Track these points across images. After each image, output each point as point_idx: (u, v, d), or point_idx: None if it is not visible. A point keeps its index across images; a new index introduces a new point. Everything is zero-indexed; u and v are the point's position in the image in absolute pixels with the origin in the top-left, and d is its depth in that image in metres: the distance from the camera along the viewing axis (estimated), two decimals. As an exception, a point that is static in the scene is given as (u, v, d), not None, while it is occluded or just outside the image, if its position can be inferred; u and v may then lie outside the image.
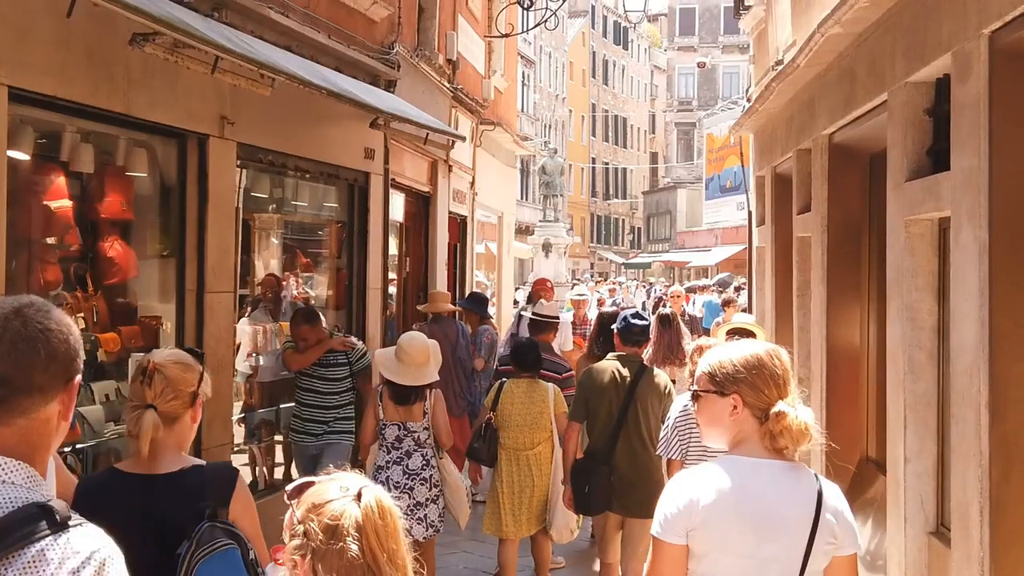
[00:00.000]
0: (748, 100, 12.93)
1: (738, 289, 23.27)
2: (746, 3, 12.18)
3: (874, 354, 8.34)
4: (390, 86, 10.18)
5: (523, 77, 52.32)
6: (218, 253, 7.45)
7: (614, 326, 7.39)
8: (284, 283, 9.45)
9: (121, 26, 5.83)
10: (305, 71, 7.15)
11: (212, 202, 7.33)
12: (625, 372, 6.98)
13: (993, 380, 4.96)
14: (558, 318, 9.63)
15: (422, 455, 6.90)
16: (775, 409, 2.88)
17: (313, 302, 10.02)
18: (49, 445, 2.02)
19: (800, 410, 2.90)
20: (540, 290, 12.01)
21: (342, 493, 2.14)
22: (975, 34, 5.06)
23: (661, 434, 6.43)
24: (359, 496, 2.13)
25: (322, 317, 8.78)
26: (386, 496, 2.17)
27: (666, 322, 9.28)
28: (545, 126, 58.50)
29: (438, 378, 7.08)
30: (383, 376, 6.87)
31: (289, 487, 2.23)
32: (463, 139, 12.25)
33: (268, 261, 9.39)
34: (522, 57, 50.61)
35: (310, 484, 2.21)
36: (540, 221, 29.72)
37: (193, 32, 5.49)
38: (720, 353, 3.06)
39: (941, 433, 6.34)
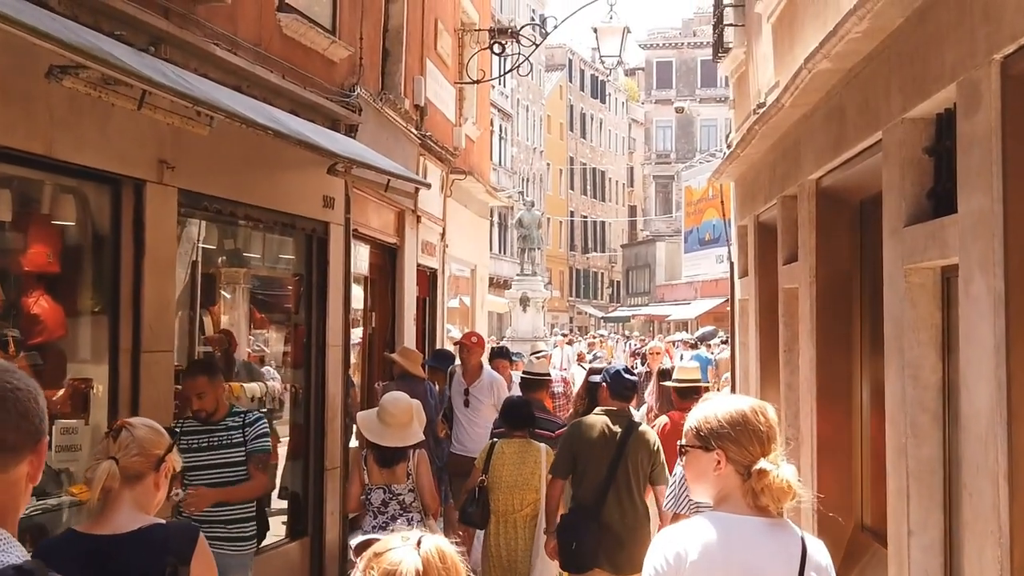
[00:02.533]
0: (728, 146, 12.46)
1: (723, 343, 22.76)
2: (725, 45, 11.75)
3: (868, 414, 7.80)
4: (351, 131, 9.65)
5: (500, 130, 52.29)
6: (156, 309, 6.85)
7: (598, 378, 7.42)
8: (235, 341, 8.80)
9: (42, 58, 5.27)
10: (252, 111, 6.60)
11: (149, 253, 6.75)
12: (616, 428, 6.85)
13: (1013, 449, 4.39)
14: (549, 375, 9.53)
15: (407, 520, 6.71)
16: (756, 467, 2.91)
17: (269, 360, 9.44)
18: (18, 507, 2.02)
19: (783, 468, 2.91)
20: (466, 343, 10.54)
21: (403, 542, 2.18)
22: (984, 60, 4.54)
23: (668, 488, 6.31)
24: (419, 544, 2.17)
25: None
26: (446, 543, 2.21)
27: (666, 376, 9.25)
28: (523, 179, 58.40)
29: (423, 438, 6.98)
30: (367, 439, 6.78)
31: (354, 543, 2.38)
32: (428, 186, 11.72)
33: (218, 317, 8.78)
34: (499, 110, 50.58)
35: (375, 540, 2.26)
36: (517, 275, 29.39)
37: (113, 62, 4.91)
38: (706, 408, 3.09)
39: (948, 503, 5.78)
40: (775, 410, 3.13)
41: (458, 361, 10.59)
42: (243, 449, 6.34)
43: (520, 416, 7.57)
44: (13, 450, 1.97)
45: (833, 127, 7.35)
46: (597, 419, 6.97)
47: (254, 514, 6.45)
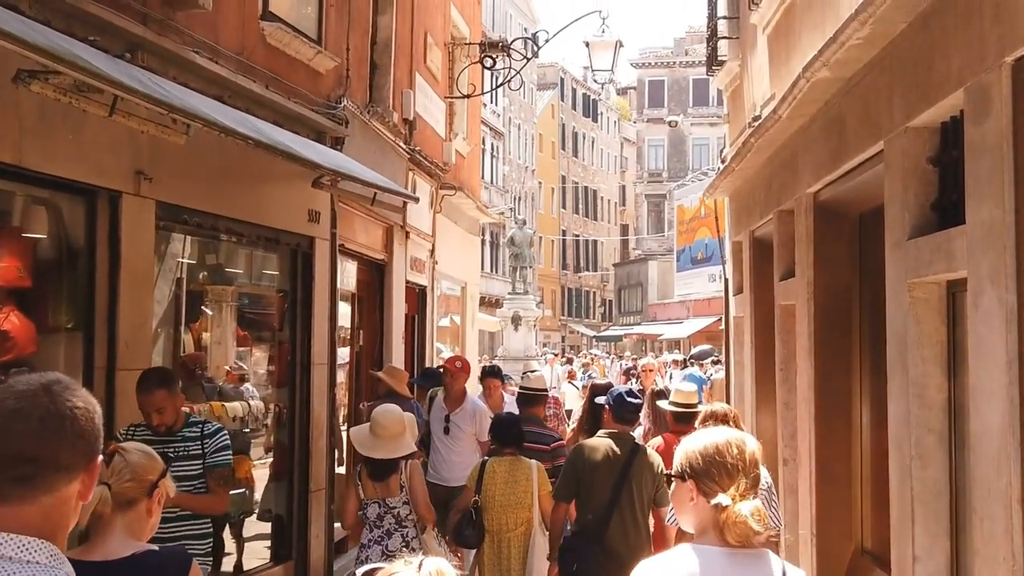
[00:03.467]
0: (722, 161, 12.26)
1: (715, 363, 22.51)
2: (719, 58, 11.56)
3: (869, 434, 7.60)
4: (337, 143, 9.42)
5: (492, 148, 52.15)
6: (132, 325, 6.61)
7: (602, 399, 7.29)
8: (203, 363, 8.44)
9: (10, 63, 5.04)
10: (231, 120, 6.37)
11: (125, 267, 6.51)
12: (619, 450, 6.78)
13: (1028, 470, 4.18)
14: (546, 391, 9.40)
15: (402, 535, 6.76)
16: (714, 501, 2.91)
17: (250, 378, 9.18)
18: (68, 525, 2.05)
19: (742, 503, 2.88)
20: (449, 368, 9.86)
21: (406, 565, 2.20)
22: (995, 64, 4.34)
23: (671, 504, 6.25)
24: (420, 567, 2.19)
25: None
26: (447, 565, 2.23)
27: (661, 397, 9.07)
28: (515, 198, 58.25)
29: (415, 449, 7.04)
30: (360, 454, 6.83)
31: (360, 572, 2.31)
32: (416, 200, 11.48)
33: (199, 335, 8.52)
34: (491, 128, 50.46)
35: (380, 568, 2.27)
36: (509, 293, 29.19)
37: (82, 65, 4.68)
38: (689, 439, 3.11)
39: (954, 527, 5.56)
40: (757, 442, 3.10)
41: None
42: (201, 462, 5.80)
43: (510, 433, 7.47)
44: (67, 469, 2.00)
45: (832, 138, 7.16)
46: (600, 442, 6.88)
47: (211, 531, 5.91)
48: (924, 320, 5.64)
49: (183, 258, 8.01)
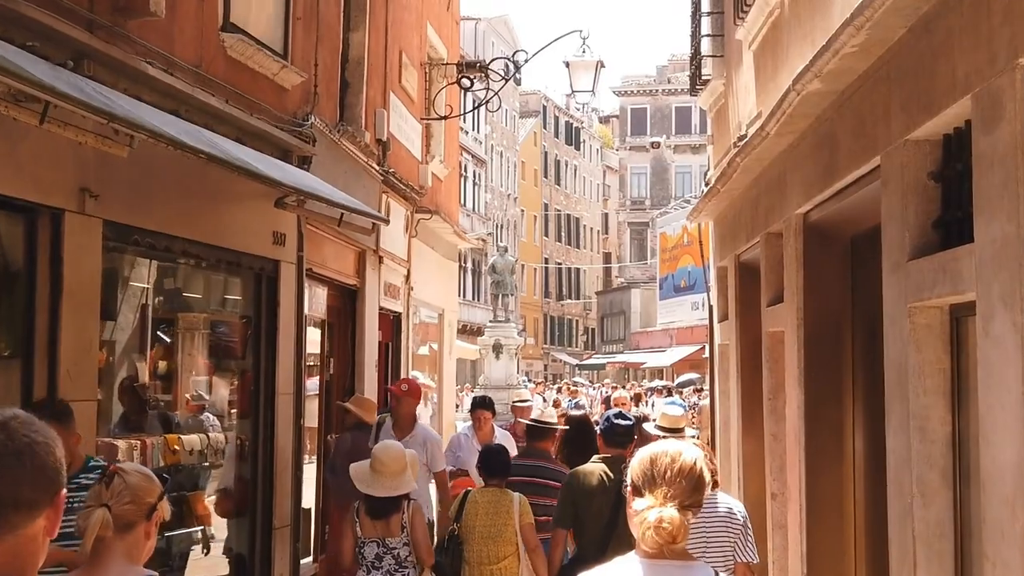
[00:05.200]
0: (707, 184, 11.93)
1: (697, 391, 22.18)
2: (703, 77, 11.24)
3: (863, 467, 7.26)
4: (304, 163, 9.01)
5: (474, 176, 52.03)
6: (76, 353, 6.17)
7: (598, 428, 7.25)
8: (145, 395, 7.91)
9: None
10: (184, 133, 5.95)
11: (68, 291, 6.08)
12: (613, 474, 6.65)
13: (1047, 513, 3.81)
14: (556, 425, 9.19)
15: None
16: (631, 507, 2.92)
17: (212, 409, 8.73)
18: (37, 563, 2.01)
19: (653, 511, 2.84)
20: (395, 391, 9.19)
21: None
22: (1007, 66, 3.97)
23: None
24: None
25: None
26: None
27: (640, 423, 8.79)
28: (497, 225, 58.09)
29: (415, 487, 6.96)
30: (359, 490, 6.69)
31: None
32: (385, 221, 11.08)
33: (155, 362, 8.08)
34: (473, 156, 50.32)
35: None
36: (491, 321, 28.89)
37: (6, 67, 4.26)
38: (638, 451, 3.11)
39: (959, 571, 5.18)
40: (699, 453, 3.05)
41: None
42: None
43: (498, 463, 7.36)
44: (29, 505, 1.95)
45: (823, 155, 6.83)
46: (595, 467, 6.79)
47: None
48: (925, 347, 5.27)
49: (136, 282, 7.62)
